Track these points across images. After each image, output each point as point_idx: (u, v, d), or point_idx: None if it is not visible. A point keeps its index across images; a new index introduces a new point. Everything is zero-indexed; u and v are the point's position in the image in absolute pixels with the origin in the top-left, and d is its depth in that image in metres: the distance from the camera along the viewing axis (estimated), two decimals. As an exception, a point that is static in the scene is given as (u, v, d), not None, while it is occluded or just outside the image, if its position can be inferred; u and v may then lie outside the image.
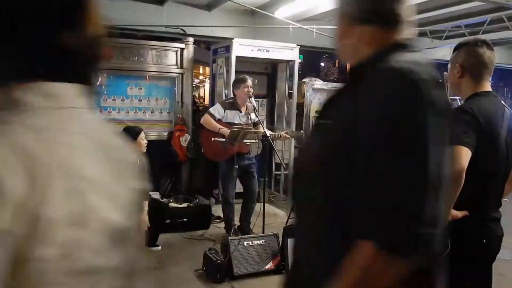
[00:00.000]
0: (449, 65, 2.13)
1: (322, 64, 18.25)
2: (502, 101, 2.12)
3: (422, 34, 7.16)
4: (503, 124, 2.00)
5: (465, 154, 1.83)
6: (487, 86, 2.04)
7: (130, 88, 5.47)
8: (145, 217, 4.05)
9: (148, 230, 4.17)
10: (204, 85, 13.65)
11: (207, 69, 12.51)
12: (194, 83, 10.80)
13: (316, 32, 5.60)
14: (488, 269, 2.19)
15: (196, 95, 11.11)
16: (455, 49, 2.12)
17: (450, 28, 6.55)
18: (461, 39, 6.08)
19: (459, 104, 2.44)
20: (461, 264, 2.03)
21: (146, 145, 4.12)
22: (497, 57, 6.90)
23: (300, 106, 6.26)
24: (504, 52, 8.41)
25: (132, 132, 4.06)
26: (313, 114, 6.34)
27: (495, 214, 2.08)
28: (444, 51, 7.86)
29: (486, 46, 2.02)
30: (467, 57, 2.03)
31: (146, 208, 4.09)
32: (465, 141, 1.84)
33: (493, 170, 2.02)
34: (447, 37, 6.86)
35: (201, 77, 14.70)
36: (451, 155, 1.75)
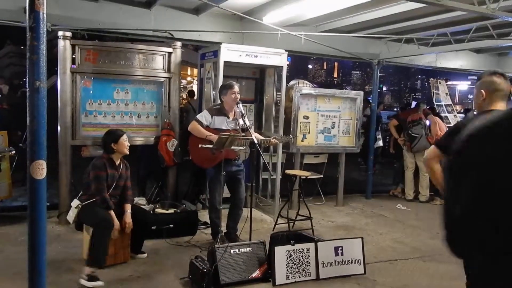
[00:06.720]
0: (474, 90, 2.72)
1: (310, 66, 18.43)
2: None
3: (409, 41, 7.25)
4: None
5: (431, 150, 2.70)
6: (499, 106, 2.59)
7: (117, 92, 5.39)
8: (129, 219, 4.02)
9: (132, 236, 4.14)
10: (192, 86, 13.62)
11: (195, 71, 12.50)
12: (182, 84, 10.75)
13: (304, 38, 5.62)
14: None
15: (184, 96, 11.07)
16: (478, 79, 2.70)
17: (436, 35, 6.63)
18: (447, 46, 6.77)
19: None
20: None
21: (128, 147, 4.10)
22: (482, 64, 7.18)
23: (288, 110, 6.26)
24: (490, 60, 8.55)
25: (114, 134, 4.05)
26: (301, 119, 6.36)
27: None
28: (430, 58, 7.98)
29: (503, 77, 2.62)
30: (488, 85, 2.60)
31: (129, 211, 4.07)
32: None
33: None
34: (433, 44, 6.94)
35: (189, 78, 14.67)
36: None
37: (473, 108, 3.48)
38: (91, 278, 3.61)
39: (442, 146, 2.62)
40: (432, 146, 2.73)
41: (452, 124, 8.05)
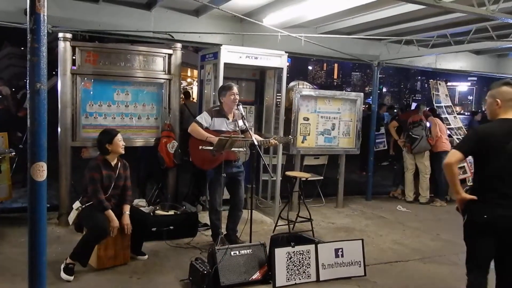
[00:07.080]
0: (487, 99, 2.98)
1: (310, 67, 18.46)
2: None
3: (408, 42, 7.25)
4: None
5: (453, 154, 2.86)
6: (510, 114, 2.84)
7: (117, 94, 5.39)
8: (127, 221, 4.02)
9: (132, 238, 4.14)
10: (192, 88, 13.61)
11: (195, 72, 12.48)
12: (182, 85, 10.71)
13: (304, 39, 5.62)
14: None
15: (183, 96, 11.03)
16: (492, 87, 2.95)
17: (436, 37, 6.64)
18: (446, 48, 7.08)
19: None
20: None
21: (123, 146, 4.09)
22: (482, 66, 7.28)
23: (288, 112, 6.26)
24: (489, 61, 8.55)
25: (108, 135, 4.04)
26: (301, 120, 6.36)
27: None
28: (430, 59, 7.98)
29: None
30: (503, 95, 2.86)
31: (128, 212, 4.06)
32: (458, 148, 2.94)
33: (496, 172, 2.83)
34: (433, 46, 6.95)
35: (189, 80, 14.67)
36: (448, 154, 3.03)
37: (482, 111, 4.15)
38: (67, 269, 3.70)
39: (469, 151, 2.89)
40: (454, 151, 2.87)
41: (452, 126, 8.06)
